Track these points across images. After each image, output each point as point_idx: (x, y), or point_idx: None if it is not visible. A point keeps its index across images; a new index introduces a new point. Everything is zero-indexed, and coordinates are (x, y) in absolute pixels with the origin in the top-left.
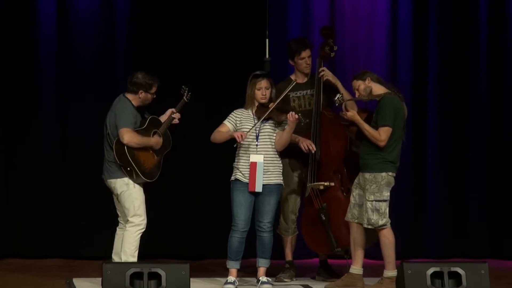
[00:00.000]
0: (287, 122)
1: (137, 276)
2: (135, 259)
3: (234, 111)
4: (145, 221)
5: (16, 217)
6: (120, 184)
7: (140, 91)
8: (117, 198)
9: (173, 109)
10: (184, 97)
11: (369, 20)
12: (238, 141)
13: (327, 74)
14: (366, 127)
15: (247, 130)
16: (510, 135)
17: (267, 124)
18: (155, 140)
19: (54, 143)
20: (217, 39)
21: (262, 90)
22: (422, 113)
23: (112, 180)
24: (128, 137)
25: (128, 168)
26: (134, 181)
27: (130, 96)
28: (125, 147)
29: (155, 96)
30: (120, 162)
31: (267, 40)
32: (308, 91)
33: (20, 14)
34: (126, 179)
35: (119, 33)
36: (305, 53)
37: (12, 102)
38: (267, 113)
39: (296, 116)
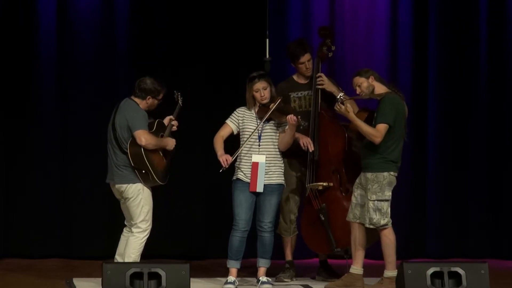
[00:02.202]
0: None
1: (137, 276)
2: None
3: (237, 110)
4: (150, 227)
5: (16, 217)
6: (132, 190)
7: (148, 97)
8: (126, 203)
9: (171, 117)
10: (179, 102)
11: (369, 20)
12: (223, 166)
13: (322, 81)
14: (359, 123)
15: (242, 145)
16: (510, 135)
17: (269, 124)
18: (167, 141)
19: (54, 143)
20: (217, 39)
21: (260, 91)
22: (422, 113)
23: (124, 185)
24: (146, 138)
25: (143, 171)
26: (149, 184)
27: (137, 100)
28: (142, 149)
29: (159, 102)
30: (135, 165)
31: (267, 40)
32: (309, 91)
33: (20, 14)
34: (140, 185)
35: (119, 33)
36: (304, 58)
37: (12, 102)
38: (267, 115)
39: (295, 118)
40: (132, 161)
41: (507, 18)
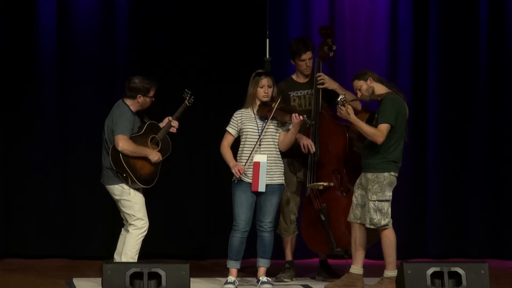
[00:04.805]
0: (290, 122)
1: (137, 276)
2: (135, 262)
3: (234, 114)
4: (147, 224)
5: (16, 217)
6: (117, 190)
7: (139, 95)
8: (117, 203)
9: (170, 117)
10: (186, 101)
11: (369, 20)
12: (237, 177)
13: (323, 81)
14: (360, 125)
15: (249, 153)
16: (510, 134)
17: (270, 124)
18: (151, 152)
19: (54, 143)
20: (217, 39)
21: (264, 88)
22: (422, 113)
23: (110, 187)
24: (123, 144)
25: (124, 174)
26: (133, 187)
27: (128, 101)
28: (120, 154)
29: (153, 99)
30: (115, 168)
31: (267, 40)
32: (309, 90)
33: (20, 14)
34: (123, 185)
35: (119, 33)
36: (305, 56)
37: (12, 102)
38: (272, 113)
39: (301, 117)
40: (113, 163)
41: (507, 18)
